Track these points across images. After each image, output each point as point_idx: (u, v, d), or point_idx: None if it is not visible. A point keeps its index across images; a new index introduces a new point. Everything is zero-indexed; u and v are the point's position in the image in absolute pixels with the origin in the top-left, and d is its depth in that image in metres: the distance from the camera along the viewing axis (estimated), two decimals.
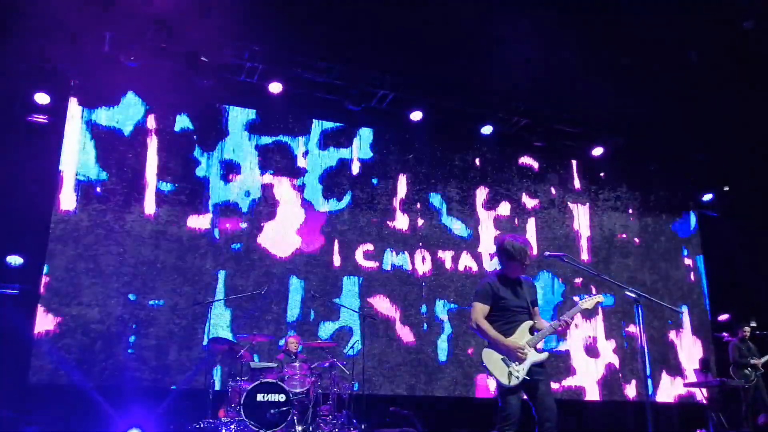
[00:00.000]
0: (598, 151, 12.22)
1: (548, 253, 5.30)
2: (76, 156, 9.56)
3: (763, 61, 9.38)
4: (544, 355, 5.01)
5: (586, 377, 11.77)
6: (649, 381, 11.73)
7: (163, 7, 8.74)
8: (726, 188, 13.22)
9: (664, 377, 12.26)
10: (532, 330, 5.05)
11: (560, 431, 4.90)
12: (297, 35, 9.54)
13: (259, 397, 7.62)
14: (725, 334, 11.67)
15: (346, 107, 10.77)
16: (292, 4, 8.92)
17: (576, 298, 10.77)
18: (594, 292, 11.42)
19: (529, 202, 12.22)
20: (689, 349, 12.59)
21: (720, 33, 9.12)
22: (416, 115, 11.07)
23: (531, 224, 12.08)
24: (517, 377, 4.85)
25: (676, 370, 12.40)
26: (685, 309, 12.76)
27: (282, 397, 7.69)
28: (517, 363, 4.89)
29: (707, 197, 13.25)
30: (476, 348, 10.72)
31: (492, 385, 4.99)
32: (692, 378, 11.91)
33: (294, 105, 10.79)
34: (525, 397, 4.97)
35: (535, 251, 9.93)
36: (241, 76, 10.22)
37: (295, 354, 8.78)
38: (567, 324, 5.00)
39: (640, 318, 4.99)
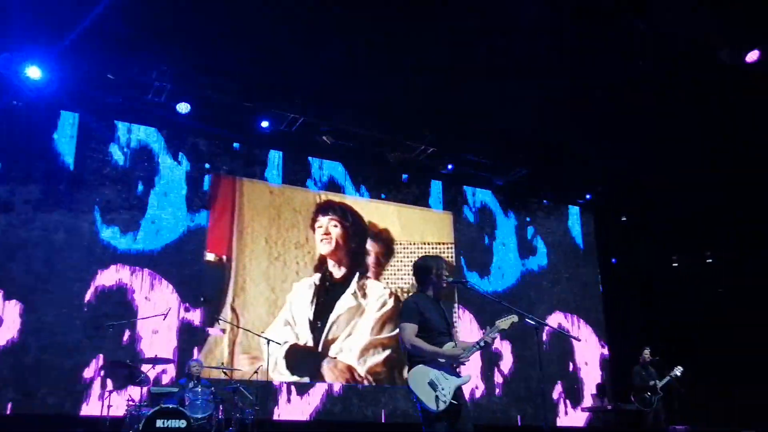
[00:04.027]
0: None
1: (451, 279, 5.15)
2: None
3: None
4: (467, 377, 4.88)
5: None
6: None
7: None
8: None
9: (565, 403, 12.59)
10: None
11: None
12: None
13: (159, 423, 7.37)
14: None
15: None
16: (201, 27, 8.73)
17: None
18: None
19: None
20: (588, 375, 12.99)
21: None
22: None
23: None
24: (444, 401, 4.66)
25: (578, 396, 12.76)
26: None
27: (183, 423, 7.47)
28: (443, 389, 4.69)
29: None
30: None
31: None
32: (589, 403, 12.24)
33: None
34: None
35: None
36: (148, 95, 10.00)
37: (198, 378, 8.57)
38: (488, 344, 4.88)
39: (540, 344, 5.10)
